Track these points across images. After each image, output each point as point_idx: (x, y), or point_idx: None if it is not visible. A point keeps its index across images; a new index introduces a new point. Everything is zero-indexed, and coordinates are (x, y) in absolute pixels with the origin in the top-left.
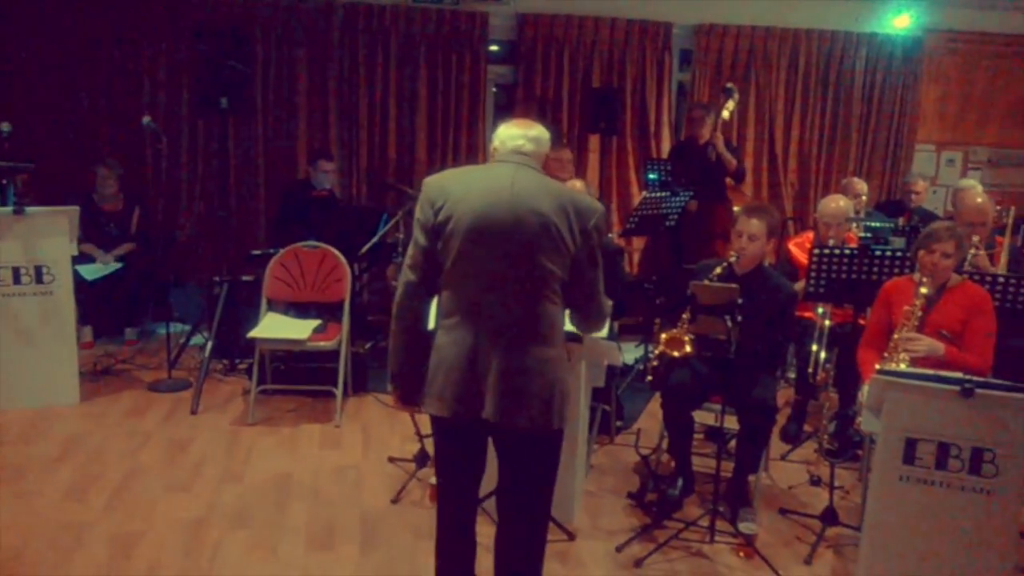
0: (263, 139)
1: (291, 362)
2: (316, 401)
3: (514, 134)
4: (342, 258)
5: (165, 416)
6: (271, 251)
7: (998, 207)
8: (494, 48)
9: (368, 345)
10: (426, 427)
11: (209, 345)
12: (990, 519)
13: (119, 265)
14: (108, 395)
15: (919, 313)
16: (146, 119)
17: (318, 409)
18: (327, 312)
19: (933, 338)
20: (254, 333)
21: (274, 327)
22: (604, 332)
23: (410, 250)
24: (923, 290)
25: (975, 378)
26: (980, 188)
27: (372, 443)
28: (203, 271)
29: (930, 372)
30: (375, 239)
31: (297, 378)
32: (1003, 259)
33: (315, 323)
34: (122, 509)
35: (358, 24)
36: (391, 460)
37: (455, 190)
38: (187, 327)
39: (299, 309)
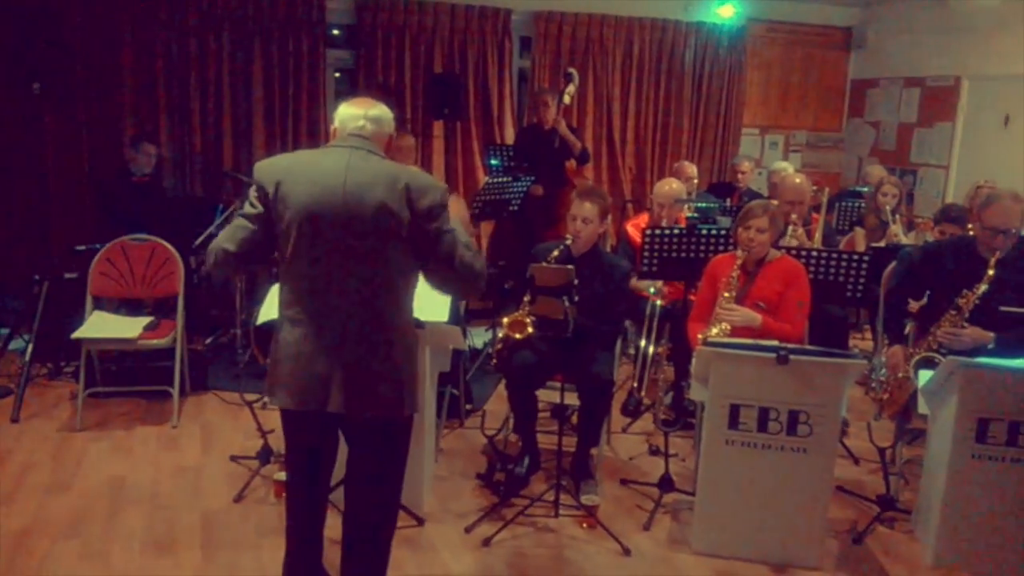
0: (85, 127)
1: (124, 362)
2: (152, 402)
3: (355, 114)
4: (174, 251)
5: None
6: (96, 246)
7: (814, 187)
8: (335, 32)
9: (208, 341)
10: (268, 423)
11: (29, 348)
12: (807, 475)
13: None
14: None
15: (736, 283)
16: None
17: (154, 410)
18: (162, 308)
19: (752, 310)
20: (79, 333)
21: (101, 326)
22: (447, 316)
23: (232, 229)
24: (738, 261)
25: (790, 345)
26: (793, 169)
27: (213, 442)
28: (21, 269)
29: (749, 341)
30: (210, 229)
31: (131, 379)
32: (818, 235)
33: (146, 320)
34: None
35: (187, 2)
36: (233, 459)
37: (288, 182)
38: (4, 331)
39: (132, 306)
